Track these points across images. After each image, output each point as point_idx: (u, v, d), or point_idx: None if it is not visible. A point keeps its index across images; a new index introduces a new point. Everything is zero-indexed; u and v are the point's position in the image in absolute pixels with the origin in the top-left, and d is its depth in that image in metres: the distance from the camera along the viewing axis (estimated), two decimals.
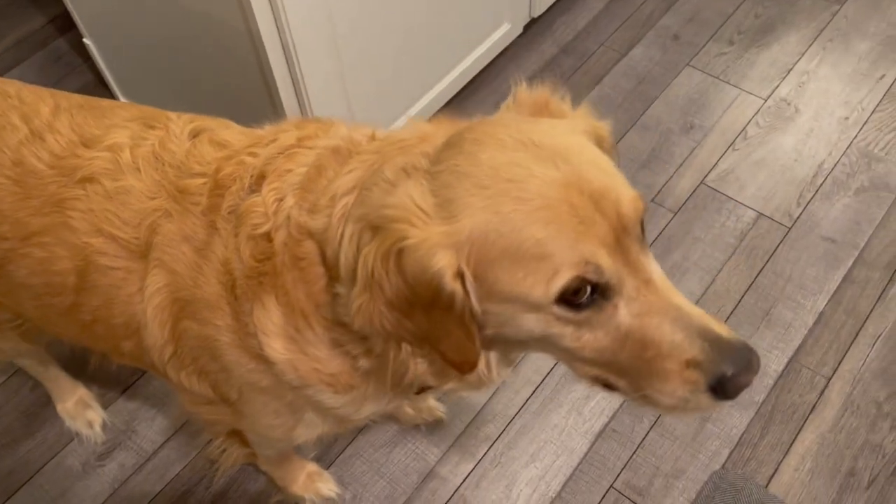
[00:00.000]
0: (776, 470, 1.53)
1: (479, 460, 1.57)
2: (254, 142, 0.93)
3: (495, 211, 0.69)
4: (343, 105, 1.68)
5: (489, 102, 2.13)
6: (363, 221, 0.75)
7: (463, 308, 0.72)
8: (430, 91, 1.94)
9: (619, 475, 1.53)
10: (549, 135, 0.74)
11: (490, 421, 1.61)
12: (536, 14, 2.19)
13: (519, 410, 1.62)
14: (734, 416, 1.59)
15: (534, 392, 1.64)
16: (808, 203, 1.90)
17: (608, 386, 0.80)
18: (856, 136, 2.01)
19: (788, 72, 2.15)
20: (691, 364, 0.72)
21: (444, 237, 0.69)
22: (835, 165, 1.96)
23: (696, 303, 1.73)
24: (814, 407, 1.60)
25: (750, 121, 2.06)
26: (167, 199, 0.92)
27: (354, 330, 0.79)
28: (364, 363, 0.87)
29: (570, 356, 0.78)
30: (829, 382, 1.63)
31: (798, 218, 1.87)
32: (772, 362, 1.66)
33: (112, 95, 2.08)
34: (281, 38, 1.43)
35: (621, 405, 1.61)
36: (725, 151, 2.00)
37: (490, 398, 1.63)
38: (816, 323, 1.71)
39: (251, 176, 0.88)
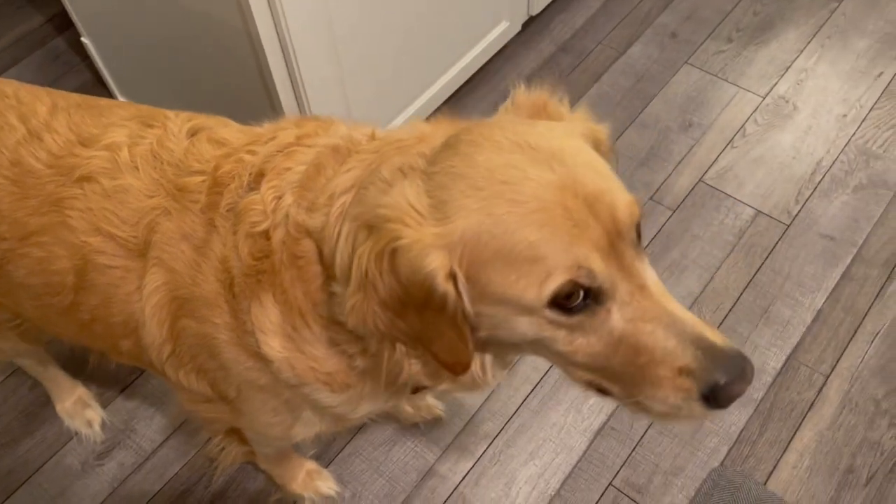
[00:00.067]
0: (775, 467, 1.54)
1: (479, 458, 1.57)
2: (253, 140, 0.93)
3: (489, 213, 0.69)
4: (342, 104, 1.68)
5: (488, 100, 2.13)
6: (359, 220, 0.75)
7: (455, 309, 0.72)
8: (428, 89, 1.94)
9: (618, 473, 1.54)
10: (545, 137, 0.74)
11: (489, 419, 1.61)
12: (535, 12, 2.19)
13: (518, 408, 1.62)
14: (733, 414, 1.59)
15: (533, 390, 1.64)
16: (807, 200, 1.90)
17: (602, 391, 0.79)
18: (854, 134, 2.01)
19: (787, 69, 2.16)
20: (684, 371, 0.72)
21: (438, 238, 0.69)
22: (833, 163, 1.96)
23: (695, 301, 1.74)
24: (812, 404, 1.61)
25: (748, 118, 2.06)
26: (166, 197, 0.92)
27: (350, 329, 0.79)
28: (360, 362, 0.87)
29: (563, 360, 0.78)
30: (827, 380, 1.63)
31: (796, 215, 1.87)
32: (770, 360, 1.66)
33: (110, 94, 2.08)
34: (280, 38, 1.43)
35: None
36: (724, 149, 2.00)
37: (489, 396, 1.63)
38: (815, 320, 1.71)
39: (250, 174, 0.88)
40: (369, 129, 0.91)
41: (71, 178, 0.95)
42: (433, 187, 0.72)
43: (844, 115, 2.05)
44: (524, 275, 0.69)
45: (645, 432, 1.58)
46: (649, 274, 0.74)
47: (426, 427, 1.60)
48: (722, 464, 1.53)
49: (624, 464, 1.54)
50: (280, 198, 0.85)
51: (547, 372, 1.65)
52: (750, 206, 1.89)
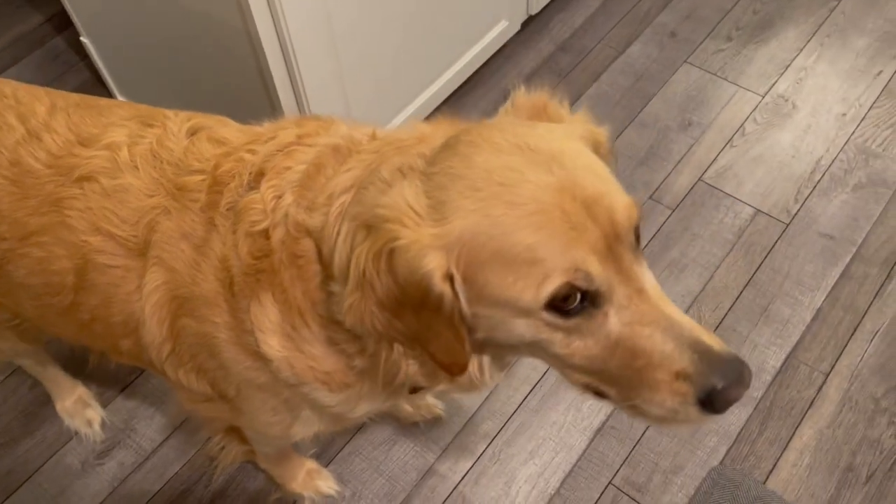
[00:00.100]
0: (774, 466, 1.54)
1: (478, 457, 1.57)
2: (253, 139, 0.93)
3: (486, 214, 0.69)
4: (341, 103, 1.68)
5: (487, 100, 2.14)
6: (358, 220, 0.75)
7: (452, 310, 0.72)
8: (428, 88, 1.94)
9: (617, 471, 1.54)
10: (544, 139, 0.74)
11: (489, 418, 1.61)
12: (534, 11, 2.19)
13: (517, 407, 1.62)
14: (732, 413, 1.59)
15: (532, 389, 1.64)
16: (806, 199, 1.90)
17: (599, 394, 0.79)
18: (853, 133, 2.01)
19: (786, 68, 2.16)
20: (681, 375, 0.72)
21: (435, 239, 0.69)
22: (832, 162, 1.96)
23: (695, 300, 1.74)
24: (812, 403, 1.61)
25: (748, 117, 2.06)
26: (166, 196, 0.92)
27: (348, 328, 0.80)
28: (359, 362, 0.87)
29: (560, 363, 0.78)
30: (826, 378, 1.64)
31: (796, 214, 1.87)
32: (770, 358, 1.66)
33: (110, 94, 2.08)
34: (279, 37, 1.43)
35: None
36: (723, 148, 2.01)
37: (489, 396, 1.63)
38: (814, 319, 1.71)
39: (250, 173, 0.88)
40: (370, 128, 0.91)
41: (70, 177, 0.95)
42: (432, 188, 0.72)
43: (844, 114, 2.05)
44: (521, 277, 0.69)
45: (645, 431, 1.58)
46: (647, 277, 0.74)
47: (426, 426, 1.60)
48: (721, 462, 1.54)
49: (624, 462, 1.54)
50: (280, 197, 0.85)
51: (546, 371, 1.65)
52: (749, 205, 1.90)
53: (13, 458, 1.60)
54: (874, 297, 1.74)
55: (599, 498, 1.51)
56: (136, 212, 0.93)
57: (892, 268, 1.78)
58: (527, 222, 0.68)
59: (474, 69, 2.08)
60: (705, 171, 1.96)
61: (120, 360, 1.12)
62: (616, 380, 0.75)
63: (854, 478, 1.52)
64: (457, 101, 2.09)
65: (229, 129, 0.98)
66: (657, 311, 0.72)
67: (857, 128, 2.02)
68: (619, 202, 0.71)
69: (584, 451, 1.56)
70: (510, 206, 0.69)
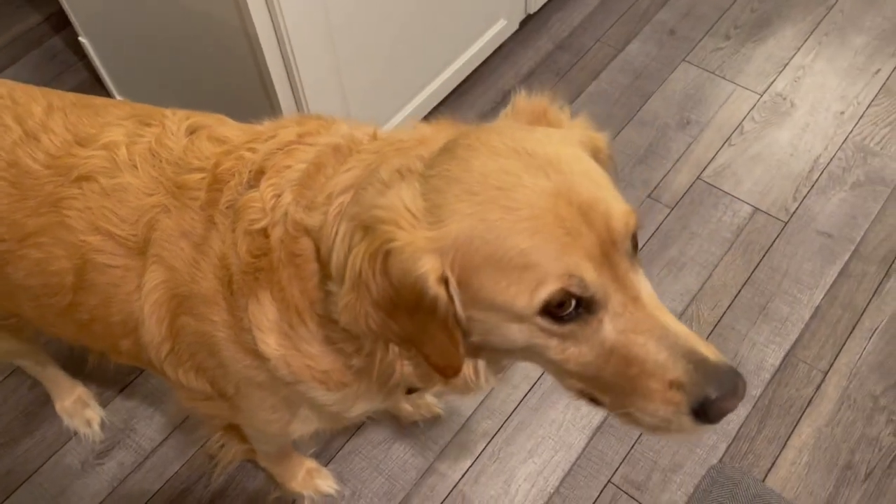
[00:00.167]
0: (773, 464, 1.54)
1: (478, 456, 1.57)
2: (253, 137, 0.93)
3: (482, 218, 0.69)
4: (340, 102, 1.68)
5: (486, 98, 2.13)
6: (355, 221, 0.75)
7: (446, 313, 0.72)
8: (426, 88, 1.94)
9: (617, 470, 1.54)
10: (542, 144, 0.74)
11: (488, 417, 1.61)
12: (532, 10, 2.19)
13: (517, 406, 1.62)
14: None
15: (531, 388, 1.64)
16: (805, 198, 1.90)
17: (594, 400, 0.79)
18: (852, 131, 2.01)
19: (784, 66, 2.16)
20: (675, 385, 0.71)
21: (430, 241, 0.69)
22: (831, 160, 1.96)
23: (693, 298, 1.74)
24: (810, 401, 1.61)
25: (746, 116, 2.06)
26: (165, 195, 0.92)
27: (345, 328, 0.80)
28: (356, 361, 0.87)
29: (555, 368, 0.78)
30: (825, 376, 1.64)
31: (794, 213, 1.88)
32: (768, 356, 1.66)
33: (108, 94, 2.08)
34: (276, 34, 1.42)
35: None
36: (722, 147, 2.01)
37: (488, 395, 1.63)
38: (813, 317, 1.72)
39: (250, 171, 0.88)
40: (371, 128, 0.91)
41: (69, 178, 0.95)
42: (429, 190, 0.72)
43: (842, 112, 2.05)
44: (515, 282, 0.69)
45: None
46: (643, 285, 0.74)
47: (425, 425, 1.60)
48: (720, 461, 1.54)
49: (623, 461, 1.55)
50: (279, 196, 0.85)
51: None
52: (748, 203, 1.90)
53: (13, 458, 1.60)
54: (872, 295, 1.74)
55: (599, 496, 1.51)
56: (136, 211, 0.93)
57: (891, 266, 1.79)
58: (522, 227, 0.68)
59: (472, 68, 2.08)
60: (704, 169, 1.97)
61: (119, 360, 1.12)
62: (610, 387, 0.75)
63: (853, 476, 1.52)
64: (455, 100, 2.09)
65: (229, 128, 0.98)
66: (652, 320, 0.72)
67: (855, 126, 2.02)
68: (616, 208, 0.71)
69: (584, 449, 1.57)
70: (506, 211, 0.69)
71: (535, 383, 1.64)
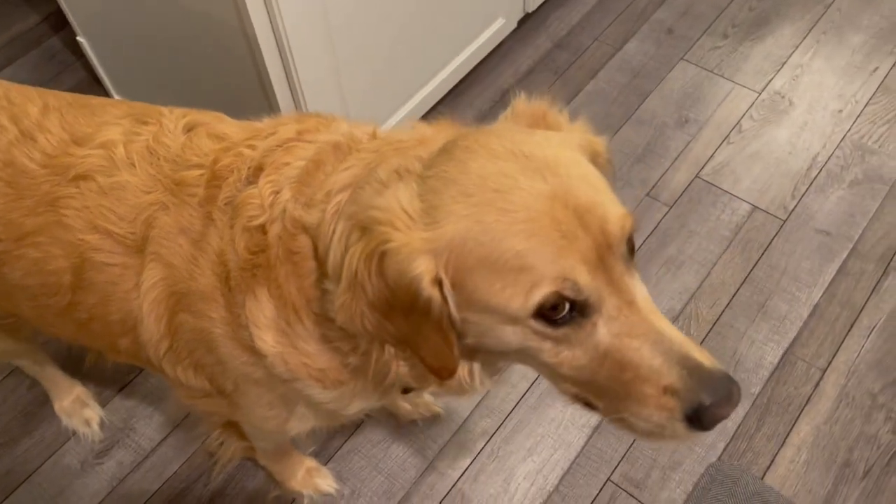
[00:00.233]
0: (772, 462, 1.54)
1: (477, 455, 1.57)
2: (253, 134, 0.93)
3: (477, 220, 0.69)
4: (338, 103, 1.68)
5: (484, 98, 2.14)
6: (353, 220, 0.75)
7: (441, 314, 0.72)
8: (424, 87, 1.94)
9: (616, 468, 1.54)
10: (540, 147, 0.73)
11: (487, 415, 1.61)
12: (531, 9, 2.19)
13: (516, 405, 1.62)
14: None
15: (531, 386, 1.64)
16: (803, 196, 1.90)
17: (588, 405, 0.79)
18: (850, 129, 2.02)
19: (782, 65, 2.16)
20: (669, 390, 0.71)
21: (425, 243, 0.69)
22: (829, 158, 1.97)
23: (692, 296, 1.75)
24: (809, 399, 1.61)
25: (744, 114, 2.06)
26: (163, 192, 0.92)
27: (341, 326, 0.80)
28: (353, 360, 0.87)
29: (550, 372, 0.78)
30: (824, 374, 1.64)
31: (793, 211, 1.88)
32: (767, 354, 1.67)
33: (106, 93, 2.08)
34: (275, 34, 1.42)
35: None
36: (720, 145, 2.01)
37: (487, 393, 1.63)
38: (811, 315, 1.72)
39: (249, 168, 0.88)
40: (371, 127, 0.91)
41: (66, 177, 0.95)
42: (426, 191, 0.72)
43: (840, 111, 2.05)
44: (509, 284, 0.69)
45: None
46: (639, 289, 0.73)
47: (425, 424, 1.60)
48: (719, 459, 1.54)
49: (622, 459, 1.55)
50: (278, 192, 0.85)
51: None
52: (746, 201, 1.90)
53: (12, 458, 1.60)
54: (871, 293, 1.74)
55: (598, 494, 1.51)
56: (134, 208, 0.93)
57: (889, 264, 1.79)
58: (517, 229, 0.68)
59: (471, 67, 2.08)
60: (702, 167, 1.97)
61: (118, 359, 1.12)
62: (604, 392, 0.75)
63: (851, 473, 1.52)
64: (454, 99, 2.09)
65: (228, 125, 0.98)
66: (647, 324, 0.72)
67: (853, 124, 2.02)
68: (613, 212, 0.71)
69: (583, 447, 1.57)
70: (501, 213, 0.69)
71: (533, 382, 1.64)
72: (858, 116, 2.04)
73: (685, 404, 0.71)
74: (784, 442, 1.56)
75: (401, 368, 0.84)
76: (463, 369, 0.83)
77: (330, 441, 1.59)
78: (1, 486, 1.56)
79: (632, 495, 1.51)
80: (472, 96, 2.13)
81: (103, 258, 0.94)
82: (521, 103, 0.84)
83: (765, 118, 2.05)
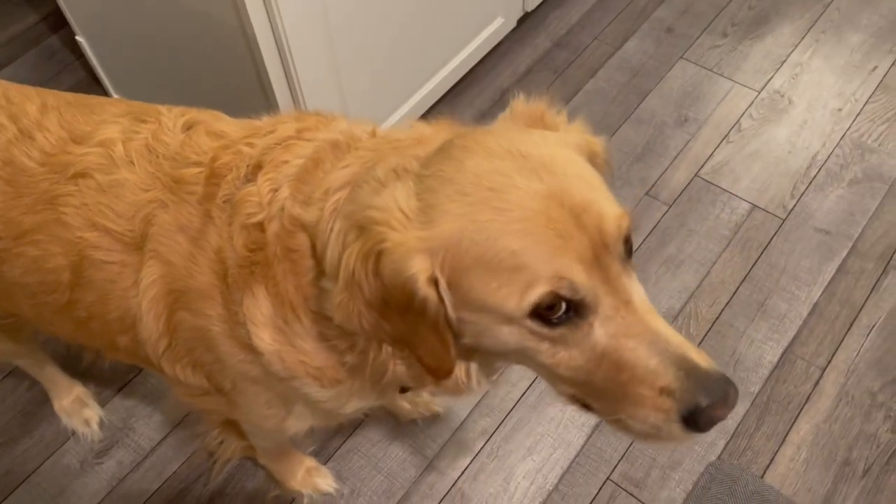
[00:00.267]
0: (772, 460, 1.54)
1: (477, 454, 1.57)
2: (251, 132, 0.93)
3: (473, 219, 0.69)
4: (337, 103, 1.67)
5: (483, 97, 2.14)
6: (350, 220, 0.75)
7: (437, 314, 0.71)
8: (424, 86, 1.94)
9: (615, 467, 1.54)
10: (537, 146, 0.73)
11: (487, 415, 1.61)
12: (530, 8, 2.19)
13: (515, 404, 1.62)
14: None
15: (530, 385, 1.64)
16: (802, 195, 1.90)
17: (585, 406, 0.79)
18: (849, 128, 2.02)
19: (782, 64, 2.16)
20: (665, 391, 0.71)
21: (421, 242, 0.69)
22: (828, 157, 1.97)
23: (691, 295, 1.74)
24: (808, 397, 1.61)
25: (744, 113, 2.06)
26: (162, 189, 0.92)
27: (338, 325, 0.80)
28: (350, 358, 0.87)
29: (547, 372, 0.77)
30: (823, 373, 1.64)
31: (792, 209, 1.88)
32: (767, 353, 1.66)
33: (105, 93, 2.08)
34: (274, 34, 1.42)
35: None
36: (719, 144, 2.01)
37: (486, 392, 1.63)
38: (811, 314, 1.72)
39: (247, 165, 0.88)
40: (370, 126, 0.91)
41: (65, 175, 0.95)
42: (423, 190, 0.72)
43: (839, 110, 2.05)
44: (505, 283, 0.68)
45: None
46: (636, 289, 0.73)
47: (424, 423, 1.60)
48: (719, 457, 1.54)
49: (622, 458, 1.55)
50: (276, 190, 0.85)
51: None
52: (746, 200, 1.90)
53: (11, 458, 1.60)
54: (870, 292, 1.74)
55: (598, 493, 1.51)
56: (133, 206, 0.93)
57: (888, 262, 1.79)
58: (513, 228, 0.68)
59: (470, 66, 2.08)
60: (701, 166, 1.97)
61: (116, 358, 1.12)
62: (601, 393, 0.74)
63: (851, 472, 1.52)
64: (453, 98, 2.09)
65: (227, 123, 0.98)
66: (643, 325, 0.71)
67: (852, 123, 2.02)
68: (609, 211, 0.71)
69: (583, 446, 1.57)
70: (497, 212, 0.68)
71: (533, 381, 1.64)
72: (858, 115, 2.04)
73: (681, 406, 0.71)
74: (784, 441, 1.56)
75: (398, 368, 0.84)
76: (460, 369, 0.83)
77: (329, 440, 1.59)
78: (1, 486, 1.56)
79: (631, 494, 1.51)
80: (471, 95, 2.13)
81: (102, 256, 0.94)
82: (519, 103, 0.84)
83: (764, 117, 2.05)
